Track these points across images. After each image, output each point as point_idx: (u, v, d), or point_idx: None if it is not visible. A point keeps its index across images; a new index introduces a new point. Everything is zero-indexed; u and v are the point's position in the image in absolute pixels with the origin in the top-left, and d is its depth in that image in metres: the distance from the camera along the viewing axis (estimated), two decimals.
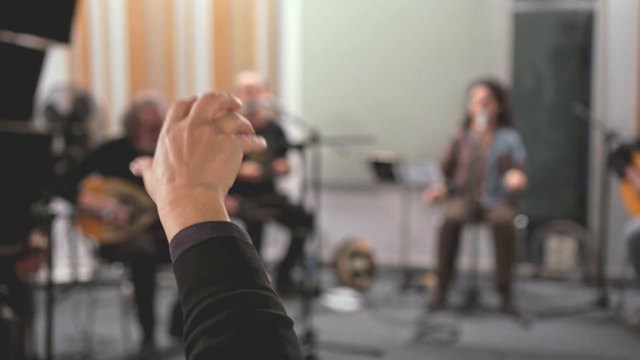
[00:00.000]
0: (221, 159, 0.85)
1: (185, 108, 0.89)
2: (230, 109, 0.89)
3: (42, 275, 3.56)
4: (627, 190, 4.67)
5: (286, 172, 5.37)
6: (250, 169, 5.14)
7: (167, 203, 0.82)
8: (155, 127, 4.05)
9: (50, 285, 2.61)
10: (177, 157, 0.84)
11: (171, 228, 0.81)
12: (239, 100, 0.90)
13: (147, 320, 3.86)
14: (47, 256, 2.62)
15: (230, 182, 0.87)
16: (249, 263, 0.77)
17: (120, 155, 4.04)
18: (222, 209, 0.82)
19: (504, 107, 5.02)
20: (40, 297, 3.72)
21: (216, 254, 0.77)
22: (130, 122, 4.13)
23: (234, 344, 0.70)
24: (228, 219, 0.81)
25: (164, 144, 0.86)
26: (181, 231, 0.79)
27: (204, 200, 0.82)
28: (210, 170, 0.84)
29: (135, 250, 3.79)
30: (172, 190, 0.83)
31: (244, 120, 0.90)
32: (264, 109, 5.29)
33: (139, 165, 0.90)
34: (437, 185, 5.10)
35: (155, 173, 0.86)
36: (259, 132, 5.27)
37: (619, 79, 5.62)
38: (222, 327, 0.71)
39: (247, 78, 5.25)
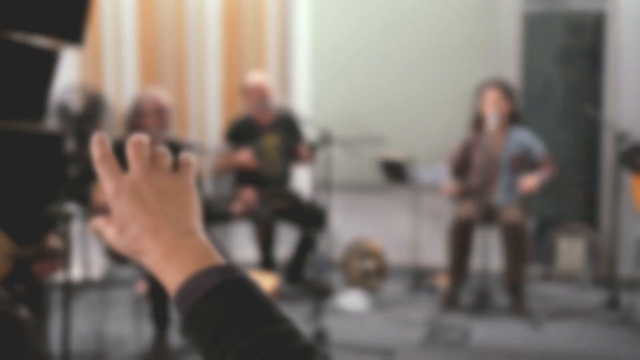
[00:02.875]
0: (189, 202, 0.87)
1: (115, 163, 0.88)
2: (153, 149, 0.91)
3: (57, 275, 3.58)
4: (637, 190, 4.67)
5: (308, 159, 5.27)
6: (245, 156, 5.08)
7: (160, 258, 0.83)
8: (160, 114, 4.16)
9: (66, 285, 2.63)
10: (147, 211, 0.84)
11: (172, 279, 0.81)
12: (144, 137, 0.90)
13: (161, 318, 3.88)
14: (63, 256, 2.64)
15: (199, 218, 0.89)
16: (263, 300, 0.79)
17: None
18: (214, 252, 0.84)
19: (514, 106, 5.05)
20: (55, 297, 3.74)
21: (231, 298, 0.78)
22: (134, 118, 4.21)
23: None
24: (222, 260, 0.83)
25: (120, 203, 0.85)
26: (188, 281, 0.80)
27: (198, 247, 0.83)
28: (187, 215, 0.86)
29: None
30: (161, 244, 0.83)
31: (164, 150, 0.90)
32: (274, 107, 5.30)
33: (96, 224, 0.89)
34: (451, 182, 5.11)
35: (129, 232, 0.85)
36: (270, 129, 5.28)
37: (630, 80, 5.61)
38: None
39: (256, 77, 5.28)
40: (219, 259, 0.83)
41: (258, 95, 5.16)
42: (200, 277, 0.79)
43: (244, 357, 0.73)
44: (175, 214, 0.85)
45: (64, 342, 2.67)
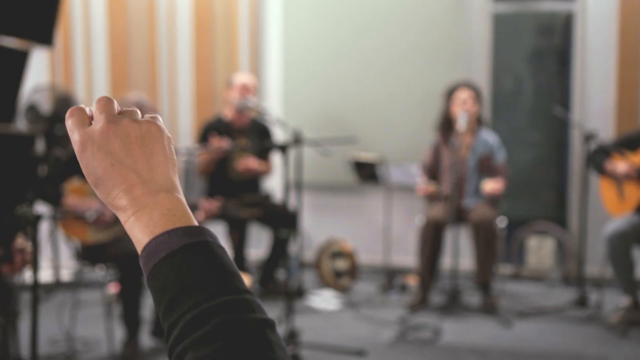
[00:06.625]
0: (160, 151, 0.83)
1: (85, 115, 0.84)
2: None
3: (26, 277, 3.56)
4: (605, 190, 4.73)
5: (266, 172, 5.38)
6: (216, 140, 4.99)
7: (131, 214, 0.79)
8: None
9: (35, 286, 2.62)
10: (116, 164, 0.80)
11: (140, 238, 0.78)
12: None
13: (132, 320, 3.86)
14: (32, 257, 2.62)
15: (176, 170, 0.85)
16: (226, 267, 0.76)
17: None
18: (188, 212, 0.80)
19: (482, 108, 5.10)
20: (24, 298, 3.72)
21: (193, 261, 0.74)
22: None
23: (224, 353, 0.69)
24: (195, 222, 0.80)
25: (86, 157, 0.81)
26: (152, 240, 0.77)
27: (169, 205, 0.79)
28: (159, 169, 0.82)
29: (124, 251, 3.80)
30: (133, 201, 0.79)
31: (133, 107, 0.86)
32: (250, 110, 5.31)
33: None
34: (425, 183, 5.11)
35: (104, 187, 0.81)
36: (244, 131, 5.29)
37: (598, 80, 5.67)
38: (210, 338, 0.69)
39: (242, 77, 5.30)
40: (189, 220, 0.79)
41: (242, 92, 5.19)
42: (164, 238, 0.76)
43: (198, 321, 0.71)
44: (147, 167, 0.81)
45: (32, 344, 2.66)
